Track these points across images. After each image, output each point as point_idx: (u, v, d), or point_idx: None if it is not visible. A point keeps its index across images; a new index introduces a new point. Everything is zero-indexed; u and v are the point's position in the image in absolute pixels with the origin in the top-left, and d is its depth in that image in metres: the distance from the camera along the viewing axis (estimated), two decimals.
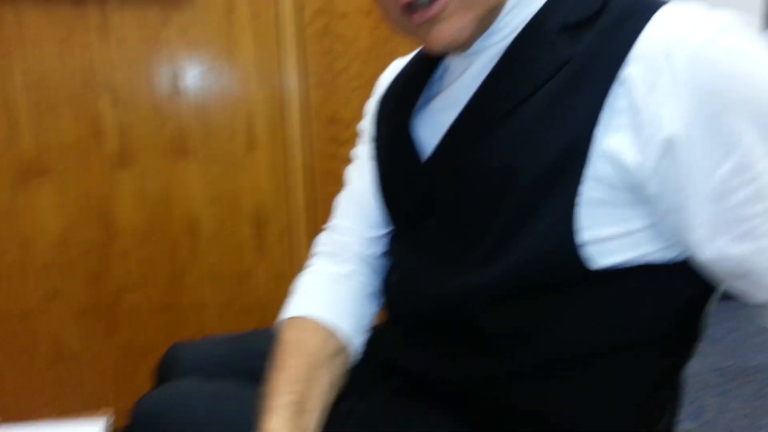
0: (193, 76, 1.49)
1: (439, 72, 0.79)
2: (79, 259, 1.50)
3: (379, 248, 0.89)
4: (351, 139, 1.52)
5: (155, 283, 1.54)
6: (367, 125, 0.89)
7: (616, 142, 0.60)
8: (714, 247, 0.61)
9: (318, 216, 1.59)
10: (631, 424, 0.73)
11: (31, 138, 1.42)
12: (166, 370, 1.00)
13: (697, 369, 2.02)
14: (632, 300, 0.66)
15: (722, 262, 0.62)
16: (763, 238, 0.60)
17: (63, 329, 1.53)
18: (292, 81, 1.53)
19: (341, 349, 0.84)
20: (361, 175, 0.89)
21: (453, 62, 0.75)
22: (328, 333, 0.82)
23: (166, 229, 1.52)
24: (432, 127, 0.75)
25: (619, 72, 0.60)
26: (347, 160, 0.94)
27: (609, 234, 0.64)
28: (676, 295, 0.67)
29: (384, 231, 0.88)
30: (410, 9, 0.66)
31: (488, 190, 0.67)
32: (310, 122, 1.54)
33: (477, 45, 0.70)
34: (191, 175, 1.50)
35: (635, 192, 0.62)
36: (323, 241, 0.91)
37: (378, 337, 0.88)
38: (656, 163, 0.60)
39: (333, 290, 0.86)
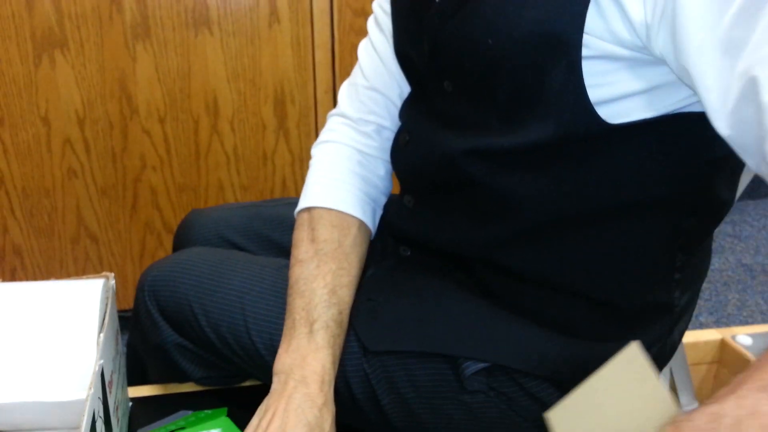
0: None
1: None
2: (99, 136, 1.47)
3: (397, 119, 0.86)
4: None
5: (176, 162, 1.52)
6: None
7: None
8: (726, 114, 0.54)
9: None
10: (643, 289, 0.72)
11: (48, 5, 1.36)
12: (183, 237, 1.00)
13: (720, 265, 2.01)
14: (653, 155, 0.63)
15: (736, 129, 0.54)
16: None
17: (85, 207, 1.53)
18: None
19: (368, 240, 0.84)
20: (381, 31, 0.85)
21: None
22: (358, 227, 0.82)
23: (186, 107, 1.48)
24: None
25: None
26: None
27: (621, 91, 0.60)
28: (700, 149, 0.64)
29: (402, 98, 0.85)
30: None
31: (490, 45, 0.63)
32: None
33: None
34: (211, 49, 1.45)
35: (642, 51, 0.58)
36: (347, 100, 0.87)
37: (390, 206, 0.87)
38: (660, 16, 0.55)
39: (358, 176, 0.84)
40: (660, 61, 0.59)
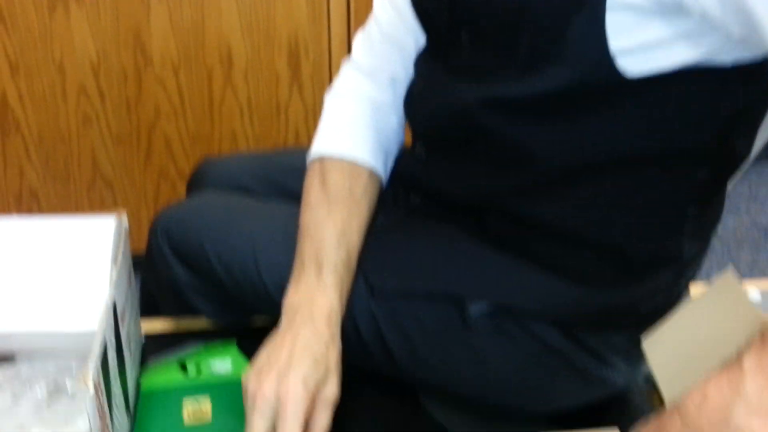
0: None
1: None
2: (114, 85, 1.48)
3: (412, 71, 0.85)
4: None
5: (190, 112, 1.53)
6: None
7: None
8: None
9: None
10: (654, 238, 0.72)
11: None
12: (196, 183, 1.01)
13: (733, 224, 2.00)
14: (671, 108, 0.63)
15: None
16: None
17: (100, 153, 1.54)
18: None
19: (379, 189, 0.84)
20: None
21: None
22: (369, 175, 0.82)
23: (200, 58, 1.48)
24: None
25: None
26: None
27: (642, 41, 0.60)
28: (720, 103, 0.63)
29: (417, 50, 0.84)
30: None
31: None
32: None
33: None
34: (225, 1, 1.44)
35: (672, 6, 0.57)
36: (362, 51, 0.86)
37: (401, 157, 0.87)
38: None
39: (371, 126, 0.83)
40: (688, 12, 0.57)
